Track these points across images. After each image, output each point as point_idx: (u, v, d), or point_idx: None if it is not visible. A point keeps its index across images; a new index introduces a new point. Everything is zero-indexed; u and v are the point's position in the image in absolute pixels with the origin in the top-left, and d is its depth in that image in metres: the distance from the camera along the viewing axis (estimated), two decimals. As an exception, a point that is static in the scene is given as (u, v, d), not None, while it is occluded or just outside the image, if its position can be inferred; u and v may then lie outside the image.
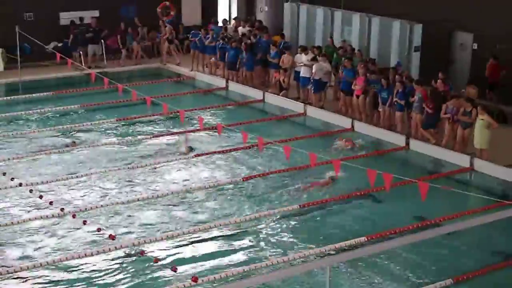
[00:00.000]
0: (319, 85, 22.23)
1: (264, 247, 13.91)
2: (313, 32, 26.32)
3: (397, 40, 23.38)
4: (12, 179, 16.43)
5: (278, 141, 18.22)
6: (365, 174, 13.94)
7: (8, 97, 24.09)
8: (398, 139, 19.53)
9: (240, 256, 13.58)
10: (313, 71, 21.99)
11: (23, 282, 12.54)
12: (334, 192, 16.29)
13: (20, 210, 15.22)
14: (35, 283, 12.54)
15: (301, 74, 22.67)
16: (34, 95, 23.84)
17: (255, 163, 18.03)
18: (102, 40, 27.62)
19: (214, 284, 12.34)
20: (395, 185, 14.95)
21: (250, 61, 24.29)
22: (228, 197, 16.10)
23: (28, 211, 15.11)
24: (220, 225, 14.65)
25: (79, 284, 12.55)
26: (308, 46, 23.82)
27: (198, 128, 19.51)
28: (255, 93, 23.83)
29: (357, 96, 20.86)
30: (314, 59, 22.21)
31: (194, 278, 12.35)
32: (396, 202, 15.87)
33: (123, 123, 21.08)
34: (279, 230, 14.66)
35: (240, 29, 26.89)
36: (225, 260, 13.40)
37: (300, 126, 21.48)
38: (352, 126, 20.69)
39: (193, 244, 13.96)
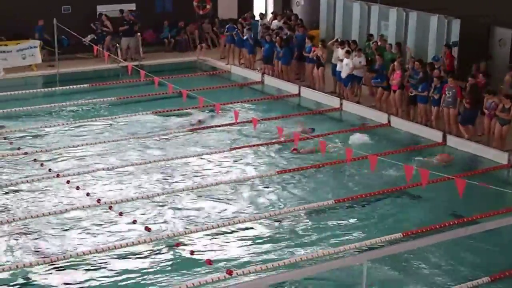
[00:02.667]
0: (353, 80, 22.13)
1: (300, 241, 13.88)
2: (350, 27, 26.16)
3: (434, 35, 23.16)
4: (49, 170, 16.56)
5: (314, 136, 18.16)
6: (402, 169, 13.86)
7: (46, 89, 24.33)
8: (434, 135, 19.36)
9: (275, 250, 13.56)
10: (350, 66, 21.86)
11: (59, 272, 12.64)
12: (370, 188, 16.20)
13: (57, 201, 15.34)
14: (71, 274, 12.63)
15: (338, 69, 22.55)
16: (71, 87, 24.04)
17: (289, 157, 17.98)
18: (139, 33, 27.73)
19: (249, 277, 12.33)
20: (432, 182, 14.82)
21: (286, 55, 24.23)
22: (263, 191, 16.09)
23: (65, 202, 15.22)
24: (256, 218, 14.65)
25: (114, 275, 12.63)
26: (344, 40, 23.70)
27: (233, 121, 19.51)
28: (290, 87, 23.77)
29: (394, 91, 20.71)
30: (348, 53, 22.07)
31: (229, 271, 12.36)
32: (433, 198, 15.74)
33: (159, 116, 21.15)
34: (314, 224, 14.61)
35: (276, 23, 26.83)
36: (261, 254, 13.39)
37: (336, 121, 21.39)
38: (389, 121, 20.56)
39: (228, 237, 13.97)
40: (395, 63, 20.77)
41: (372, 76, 21.98)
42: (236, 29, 26.12)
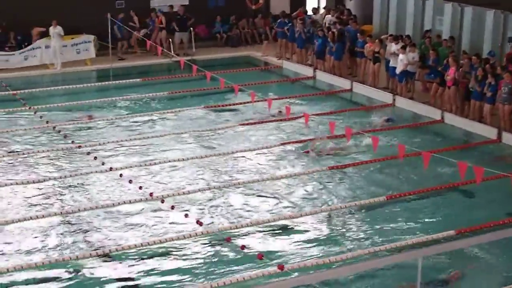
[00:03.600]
0: (406, 75, 21.90)
1: (351, 237, 13.78)
2: (403, 22, 25.90)
3: (490, 30, 22.79)
4: (102, 163, 16.73)
5: (367, 131, 18.01)
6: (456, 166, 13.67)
7: (99, 83, 24.61)
8: (489, 132, 19.05)
9: (327, 245, 13.49)
10: (404, 61, 21.62)
11: (111, 265, 12.75)
12: (423, 184, 16.02)
13: (109, 194, 15.49)
14: (122, 266, 12.73)
15: (391, 64, 22.34)
16: (123, 81, 24.27)
17: (342, 153, 17.87)
18: (191, 28, 27.85)
19: (300, 273, 12.28)
20: (486, 179, 14.59)
21: (338, 50, 24.09)
22: (315, 186, 16.01)
23: (118, 196, 15.36)
24: (307, 214, 14.60)
25: (165, 268, 12.69)
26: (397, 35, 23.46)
27: (284, 117, 19.47)
28: (342, 83, 23.64)
29: (449, 87, 20.43)
30: (403, 49, 21.83)
31: (280, 266, 12.33)
32: (487, 196, 15.49)
33: (210, 111, 21.21)
34: (367, 220, 14.50)
35: (329, 17, 26.69)
36: (312, 249, 13.35)
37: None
38: (442, 118, 20.29)
39: (279, 232, 13.94)
40: (450, 58, 20.48)
41: (426, 72, 21.75)
42: (289, 24, 26.06)
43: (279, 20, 26.88)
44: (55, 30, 25.43)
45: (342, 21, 25.52)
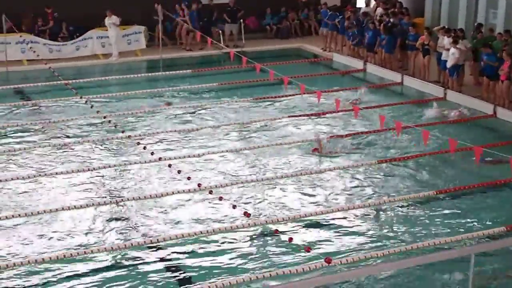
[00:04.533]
0: (459, 69, 21.59)
1: (400, 232, 13.64)
2: (456, 15, 25.54)
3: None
4: (152, 153, 16.81)
5: (416, 125, 17.80)
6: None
7: (149, 74, 24.77)
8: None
9: (374, 240, 13.37)
10: (456, 55, 21.30)
11: (159, 254, 12.81)
12: (473, 179, 15.78)
13: (158, 184, 15.57)
14: (169, 256, 12.77)
15: (442, 57, 22.04)
16: (173, 72, 24.40)
17: (391, 147, 17.69)
18: (241, 20, 27.86)
19: (348, 267, 12.20)
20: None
21: (389, 43, 23.86)
22: (363, 180, 15.88)
23: (166, 186, 15.43)
24: (355, 207, 14.49)
25: (212, 259, 12.69)
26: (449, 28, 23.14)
27: (334, 110, 19.33)
28: (393, 76, 23.41)
29: (502, 81, 20.08)
30: (455, 42, 21.52)
31: (328, 259, 12.25)
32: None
33: (259, 102, 21.18)
34: (415, 215, 14.33)
35: (380, 10, 26.46)
36: (359, 243, 13.22)
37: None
38: (495, 113, 19.95)
39: (327, 225, 13.86)
40: (503, 53, 20.12)
41: (477, 66, 21.43)
42: (340, 17, 25.89)
43: (329, 13, 26.71)
44: (110, 20, 25.69)
45: (394, 13, 25.26)
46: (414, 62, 23.33)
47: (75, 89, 21.34)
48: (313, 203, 14.76)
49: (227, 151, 17.32)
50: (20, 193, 15.02)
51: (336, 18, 26.10)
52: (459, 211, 14.49)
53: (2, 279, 11.91)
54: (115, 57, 26.02)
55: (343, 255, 12.70)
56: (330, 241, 13.29)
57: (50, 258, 12.40)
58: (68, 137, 18.34)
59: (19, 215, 13.95)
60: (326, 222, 14.00)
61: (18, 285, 11.81)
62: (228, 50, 23.49)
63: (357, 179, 15.94)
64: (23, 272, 12.12)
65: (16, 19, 25.49)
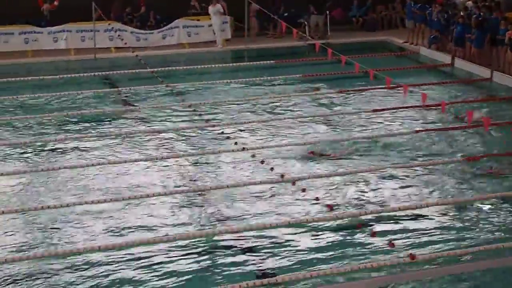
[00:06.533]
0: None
1: (486, 230, 13.26)
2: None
3: None
4: (235, 143, 16.84)
5: (506, 122, 17.34)
6: None
7: (233, 64, 24.87)
8: None
9: (460, 237, 13.01)
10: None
11: (240, 242, 12.79)
12: None
13: (241, 174, 15.58)
14: (250, 245, 12.74)
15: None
16: (258, 62, 24.40)
17: (478, 144, 17.26)
18: (327, 11, 27.67)
19: (432, 264, 11.96)
20: None
21: (479, 38, 23.29)
22: (449, 176, 15.50)
23: (249, 176, 15.42)
24: (440, 204, 14.18)
25: (292, 251, 12.58)
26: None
27: (420, 104, 18.98)
28: (482, 71, 22.85)
29: None
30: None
31: (412, 256, 12.02)
32: None
33: (343, 95, 20.99)
34: (504, 215, 13.92)
35: (470, 3, 25.85)
36: (443, 240, 12.91)
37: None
38: None
39: (411, 221, 13.60)
40: None
41: None
42: (429, 8, 25.41)
43: (419, 5, 26.24)
44: (215, 8, 25.94)
45: (484, 7, 24.64)
46: (504, 57, 22.71)
47: (161, 78, 21.54)
48: (399, 197, 14.49)
49: (311, 143, 17.19)
50: (107, 179, 15.25)
51: (426, 10, 25.61)
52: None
53: (93, 262, 12.12)
54: (220, 44, 26.25)
55: (427, 252, 12.44)
56: (414, 237, 13.02)
57: (133, 243, 12.56)
58: (153, 125, 18.53)
59: (104, 200, 14.17)
60: (410, 217, 13.73)
61: (109, 267, 11.98)
62: (313, 41, 23.33)
63: (444, 174, 15.53)
64: (111, 255, 12.28)
65: (105, 7, 25.92)
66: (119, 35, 25.72)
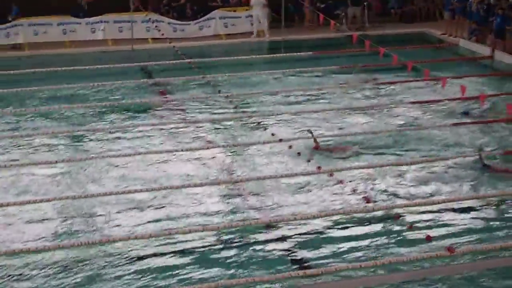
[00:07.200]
0: None
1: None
2: None
3: None
4: (272, 134, 16.81)
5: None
6: None
7: (271, 55, 24.83)
8: None
9: (498, 230, 12.83)
10: None
11: (275, 234, 12.76)
12: None
13: (277, 165, 15.53)
14: (286, 236, 12.71)
15: None
16: (294, 54, 24.35)
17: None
18: (365, 3, 27.49)
19: (472, 257, 11.82)
20: None
21: (520, 30, 23.00)
22: (487, 170, 15.29)
23: (285, 168, 15.34)
24: (478, 197, 14.01)
25: (328, 242, 12.50)
26: None
27: (459, 96, 18.76)
28: (523, 64, 22.58)
29: None
30: None
31: (450, 249, 11.89)
32: None
33: (381, 87, 20.84)
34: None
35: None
36: (482, 234, 12.74)
37: None
38: None
39: (449, 214, 13.44)
40: None
41: None
42: (469, 0, 25.11)
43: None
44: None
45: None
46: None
47: (198, 69, 21.58)
48: (438, 189, 14.32)
49: (346, 135, 17.08)
50: (145, 168, 15.32)
51: (465, 2, 25.30)
52: None
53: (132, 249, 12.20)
54: (267, 34, 26.28)
55: (464, 245, 12.30)
56: (452, 230, 12.88)
57: (170, 232, 12.60)
58: (190, 116, 18.57)
59: (141, 189, 14.24)
60: (448, 210, 13.56)
61: (149, 255, 12.06)
62: (351, 33, 23.20)
63: (480, 168, 15.34)
64: (150, 244, 12.36)
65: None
66: (156, 26, 25.81)
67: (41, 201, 13.69)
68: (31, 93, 20.45)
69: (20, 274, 11.47)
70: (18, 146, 16.61)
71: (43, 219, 13.19)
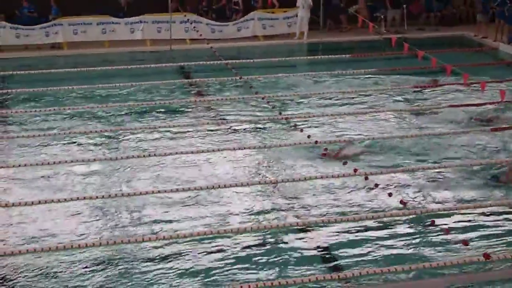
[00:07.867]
0: None
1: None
2: None
3: None
4: (308, 136, 16.75)
5: None
6: None
7: (310, 57, 24.79)
8: None
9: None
10: None
11: (308, 236, 12.74)
12: None
13: (313, 167, 15.47)
14: (319, 238, 12.65)
15: None
16: (332, 56, 24.26)
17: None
18: (404, 5, 27.31)
19: (507, 264, 11.66)
20: None
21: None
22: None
23: (320, 169, 15.29)
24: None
25: (363, 246, 12.44)
26: None
27: (498, 100, 18.53)
28: None
29: None
30: None
31: (486, 255, 11.74)
32: None
33: (417, 90, 20.67)
34: None
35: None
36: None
37: None
38: None
39: (484, 220, 13.27)
40: None
41: None
42: (508, 4, 24.80)
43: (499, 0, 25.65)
44: (306, 1, 25.93)
45: None
46: None
47: (235, 69, 21.60)
48: (475, 194, 14.18)
49: (383, 138, 16.97)
50: (179, 168, 15.37)
51: (505, 6, 24.99)
52: None
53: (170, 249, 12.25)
54: (305, 37, 26.25)
55: (501, 252, 12.12)
56: (488, 236, 12.71)
57: (205, 233, 12.62)
58: (226, 117, 18.59)
59: (177, 189, 14.31)
60: (483, 216, 13.40)
61: (180, 255, 12.11)
62: (390, 36, 23.04)
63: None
64: (183, 244, 12.39)
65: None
66: (194, 27, 25.88)
67: (78, 198, 13.85)
68: (68, 92, 20.63)
69: (59, 271, 11.57)
70: (56, 144, 16.76)
71: (81, 217, 13.29)
